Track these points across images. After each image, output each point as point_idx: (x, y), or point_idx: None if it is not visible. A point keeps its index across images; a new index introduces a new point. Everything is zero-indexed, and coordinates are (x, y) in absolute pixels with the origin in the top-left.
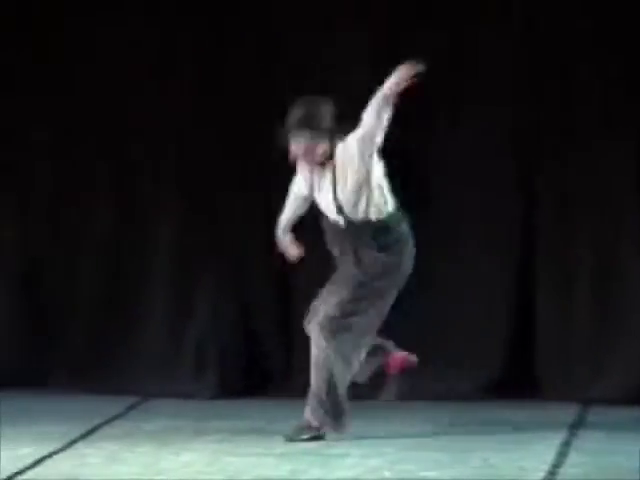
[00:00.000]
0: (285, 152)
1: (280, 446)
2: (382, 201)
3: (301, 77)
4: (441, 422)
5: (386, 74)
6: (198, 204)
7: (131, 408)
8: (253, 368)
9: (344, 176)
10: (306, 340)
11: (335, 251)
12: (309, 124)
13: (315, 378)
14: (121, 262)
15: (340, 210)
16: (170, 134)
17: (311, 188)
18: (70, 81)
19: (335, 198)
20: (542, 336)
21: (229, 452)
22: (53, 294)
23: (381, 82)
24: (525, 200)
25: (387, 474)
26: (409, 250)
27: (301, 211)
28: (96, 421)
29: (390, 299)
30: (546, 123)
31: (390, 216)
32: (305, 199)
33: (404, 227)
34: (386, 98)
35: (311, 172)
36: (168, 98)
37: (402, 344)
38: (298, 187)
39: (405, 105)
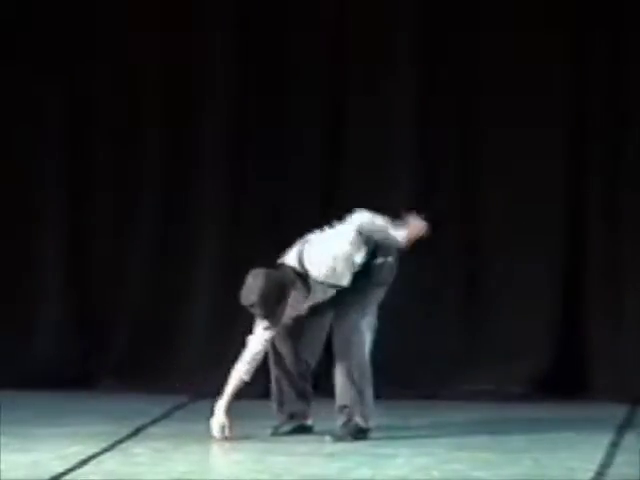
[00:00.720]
0: None
1: (328, 446)
2: None
3: None
4: (490, 422)
5: None
6: (244, 204)
7: (178, 408)
8: None
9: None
10: None
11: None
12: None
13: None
14: (167, 263)
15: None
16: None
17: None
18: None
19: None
20: (591, 335)
21: (277, 451)
22: (101, 296)
23: None
24: (573, 201)
25: (436, 474)
26: None
27: None
28: (143, 421)
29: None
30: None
31: None
32: None
33: None
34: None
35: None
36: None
37: (451, 345)
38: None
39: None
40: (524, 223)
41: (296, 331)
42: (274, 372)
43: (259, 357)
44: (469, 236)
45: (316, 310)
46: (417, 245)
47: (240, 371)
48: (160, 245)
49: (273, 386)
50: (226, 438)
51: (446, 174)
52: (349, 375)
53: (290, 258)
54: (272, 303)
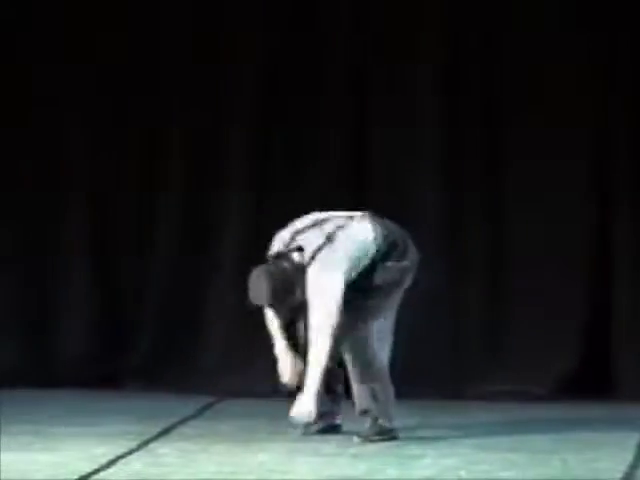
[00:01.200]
0: None
1: (354, 446)
2: None
3: None
4: (516, 422)
5: None
6: (266, 205)
7: (206, 408)
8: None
9: None
10: None
11: None
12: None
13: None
14: (192, 261)
15: None
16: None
17: None
18: None
19: None
20: (618, 336)
21: (303, 452)
22: (127, 296)
23: None
24: (599, 199)
25: (463, 474)
26: None
27: None
28: (171, 421)
29: None
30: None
31: None
32: None
33: None
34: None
35: None
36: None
37: (476, 345)
38: None
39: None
40: (551, 222)
41: None
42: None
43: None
44: (493, 235)
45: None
46: (441, 244)
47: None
48: (184, 244)
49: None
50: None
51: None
52: (363, 378)
53: (286, 245)
54: (281, 297)
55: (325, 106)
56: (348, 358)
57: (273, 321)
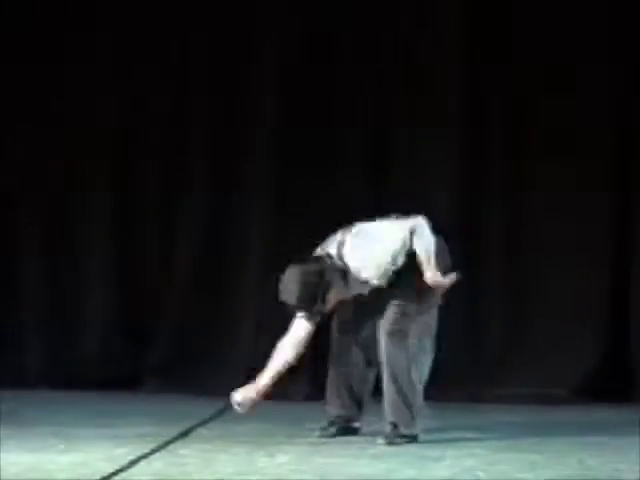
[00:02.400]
0: None
1: (373, 447)
2: None
3: None
4: (535, 424)
5: None
6: (291, 209)
7: (225, 410)
8: None
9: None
10: None
11: None
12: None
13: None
14: (212, 264)
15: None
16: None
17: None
18: None
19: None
20: (636, 337)
21: (321, 453)
22: (147, 298)
23: None
24: (619, 197)
25: (482, 475)
26: None
27: None
28: (190, 422)
29: None
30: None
31: None
32: None
33: None
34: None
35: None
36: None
37: (496, 347)
38: None
39: None
40: (570, 225)
41: (352, 330)
42: (329, 372)
43: (302, 343)
44: (512, 239)
45: (368, 309)
46: (458, 245)
47: (286, 354)
48: (205, 247)
49: (327, 386)
50: (241, 411)
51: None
52: (400, 391)
53: (329, 248)
54: (311, 300)
55: (343, 107)
56: (387, 371)
57: (292, 332)
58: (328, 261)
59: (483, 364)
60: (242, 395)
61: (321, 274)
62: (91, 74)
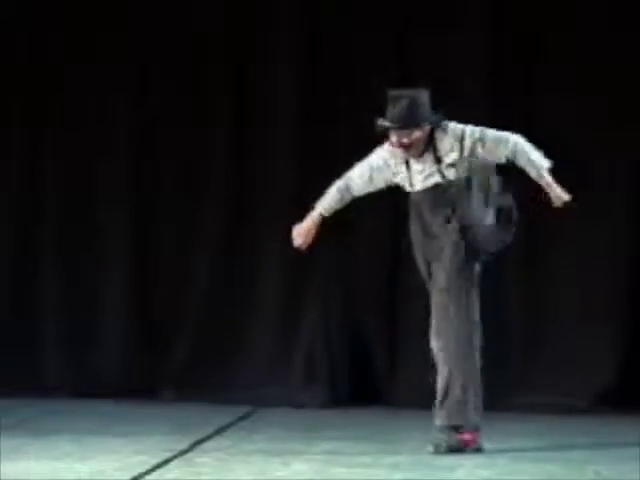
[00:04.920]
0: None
1: (390, 456)
2: None
3: None
4: (552, 434)
5: None
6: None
7: (242, 418)
8: (363, 377)
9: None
10: (415, 349)
11: (427, 225)
12: (415, 116)
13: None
14: (230, 274)
15: (442, 175)
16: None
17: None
18: None
19: (440, 168)
20: None
21: (339, 462)
22: (164, 307)
23: None
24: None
25: None
26: None
27: (349, 197)
28: (207, 431)
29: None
30: None
31: None
32: (372, 180)
33: None
34: (534, 171)
35: (402, 161)
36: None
37: (515, 358)
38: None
39: None
40: (588, 233)
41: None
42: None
43: (350, 193)
44: (529, 246)
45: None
46: None
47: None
48: (223, 257)
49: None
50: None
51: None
52: (464, 390)
53: None
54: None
55: (359, 104)
56: (453, 355)
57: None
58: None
59: (501, 374)
60: (300, 230)
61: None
62: (103, 74)
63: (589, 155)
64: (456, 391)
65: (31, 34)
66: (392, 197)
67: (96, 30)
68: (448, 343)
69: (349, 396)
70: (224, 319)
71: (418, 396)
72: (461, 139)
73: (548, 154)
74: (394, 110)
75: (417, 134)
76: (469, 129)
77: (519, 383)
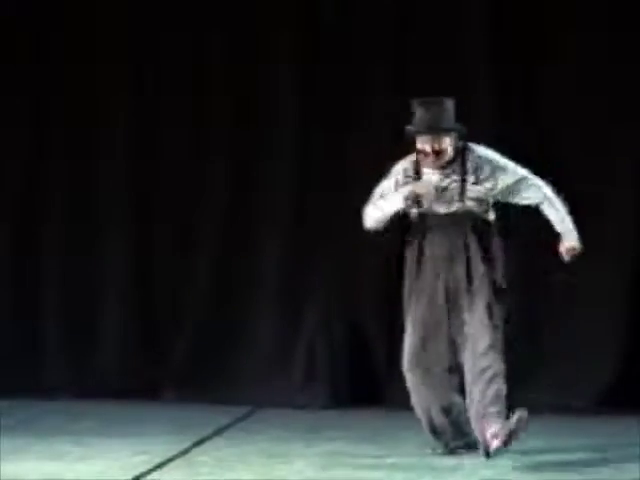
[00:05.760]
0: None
1: (390, 457)
2: None
3: None
4: (554, 434)
5: None
6: (310, 212)
7: (242, 418)
8: (363, 378)
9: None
10: None
11: (438, 250)
12: (447, 122)
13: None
14: (230, 274)
15: (461, 200)
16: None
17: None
18: None
19: (462, 191)
20: None
21: (339, 463)
22: (164, 307)
23: None
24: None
25: None
26: None
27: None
28: (207, 431)
29: None
30: None
31: None
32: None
33: None
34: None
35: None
36: None
37: (518, 359)
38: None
39: None
40: (588, 233)
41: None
42: None
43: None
44: (528, 247)
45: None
46: None
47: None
48: (223, 256)
49: None
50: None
51: None
52: (500, 384)
53: None
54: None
55: (366, 108)
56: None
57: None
58: None
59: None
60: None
61: None
62: (103, 74)
63: (589, 155)
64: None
65: (31, 34)
66: None
67: (96, 30)
68: (494, 363)
69: (349, 397)
70: (224, 319)
71: None
72: (498, 170)
73: (548, 154)
74: (426, 116)
75: (447, 141)
76: (510, 165)
77: (519, 383)
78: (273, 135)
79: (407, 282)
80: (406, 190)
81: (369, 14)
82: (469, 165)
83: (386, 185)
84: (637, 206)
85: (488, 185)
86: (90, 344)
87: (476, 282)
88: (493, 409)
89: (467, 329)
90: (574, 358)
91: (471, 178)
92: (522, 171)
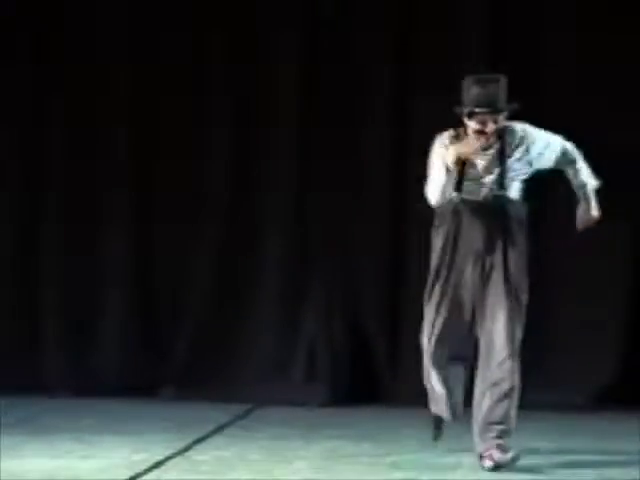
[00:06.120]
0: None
1: (390, 455)
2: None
3: None
4: (555, 432)
5: None
6: (311, 211)
7: (242, 416)
8: (363, 376)
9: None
10: (416, 348)
11: (472, 238)
12: (498, 101)
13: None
14: (230, 273)
15: (501, 186)
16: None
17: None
18: None
19: (502, 172)
20: None
21: (339, 460)
22: (163, 305)
23: None
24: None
25: None
26: None
27: None
28: (206, 429)
29: None
30: None
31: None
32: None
33: None
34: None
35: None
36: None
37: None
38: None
39: None
40: (588, 233)
41: None
42: None
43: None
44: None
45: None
46: None
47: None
48: (223, 256)
49: None
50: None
51: None
52: (511, 401)
53: None
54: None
55: (365, 107)
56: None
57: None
58: None
59: None
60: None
61: None
62: (103, 74)
63: (589, 154)
64: None
65: (31, 34)
66: (392, 194)
67: (96, 30)
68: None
69: (349, 395)
70: (224, 318)
71: (419, 395)
72: (532, 142)
73: None
74: (483, 92)
75: (500, 120)
76: (543, 133)
77: (523, 381)
78: (273, 135)
79: (436, 263)
80: (452, 150)
81: (369, 14)
82: (509, 144)
83: (434, 157)
84: (636, 206)
85: (524, 159)
86: (90, 342)
87: (511, 271)
88: (497, 428)
89: (488, 324)
90: (574, 357)
91: (511, 157)
92: (554, 137)
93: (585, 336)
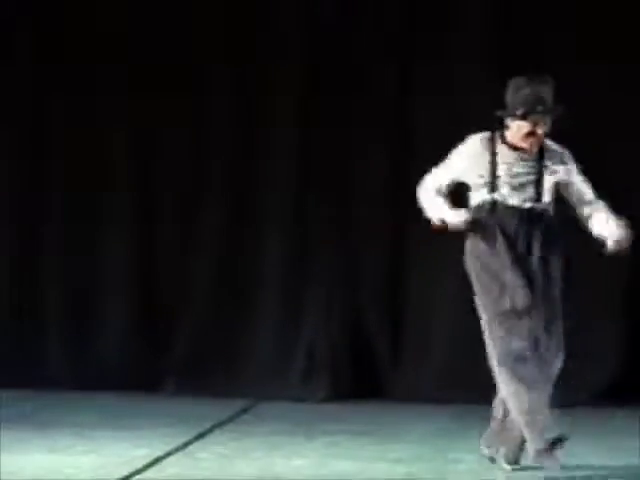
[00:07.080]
0: None
1: (392, 450)
2: None
3: None
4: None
5: None
6: (311, 211)
7: (242, 412)
8: (364, 371)
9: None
10: (416, 344)
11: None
12: (551, 102)
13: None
14: (231, 267)
15: (539, 197)
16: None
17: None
18: None
19: (539, 183)
20: None
21: (340, 456)
22: (165, 300)
23: None
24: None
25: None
26: None
27: None
28: (208, 424)
29: None
30: None
31: None
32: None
33: None
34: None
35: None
36: None
37: None
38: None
39: None
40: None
41: None
42: None
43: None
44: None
45: None
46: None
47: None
48: (224, 249)
49: None
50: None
51: None
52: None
53: None
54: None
55: (365, 107)
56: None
57: None
58: None
59: None
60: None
61: None
62: (103, 74)
63: (588, 154)
64: None
65: (31, 34)
66: (392, 194)
67: (96, 30)
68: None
69: (350, 390)
70: (225, 312)
71: (419, 390)
72: (566, 160)
73: None
74: (537, 93)
75: (549, 124)
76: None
77: None
78: (273, 135)
79: (476, 267)
80: (442, 212)
81: (369, 14)
82: (549, 157)
83: (454, 156)
84: (635, 209)
85: (559, 174)
86: (91, 338)
87: (552, 280)
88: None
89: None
90: (573, 355)
91: (548, 168)
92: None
93: (585, 336)
